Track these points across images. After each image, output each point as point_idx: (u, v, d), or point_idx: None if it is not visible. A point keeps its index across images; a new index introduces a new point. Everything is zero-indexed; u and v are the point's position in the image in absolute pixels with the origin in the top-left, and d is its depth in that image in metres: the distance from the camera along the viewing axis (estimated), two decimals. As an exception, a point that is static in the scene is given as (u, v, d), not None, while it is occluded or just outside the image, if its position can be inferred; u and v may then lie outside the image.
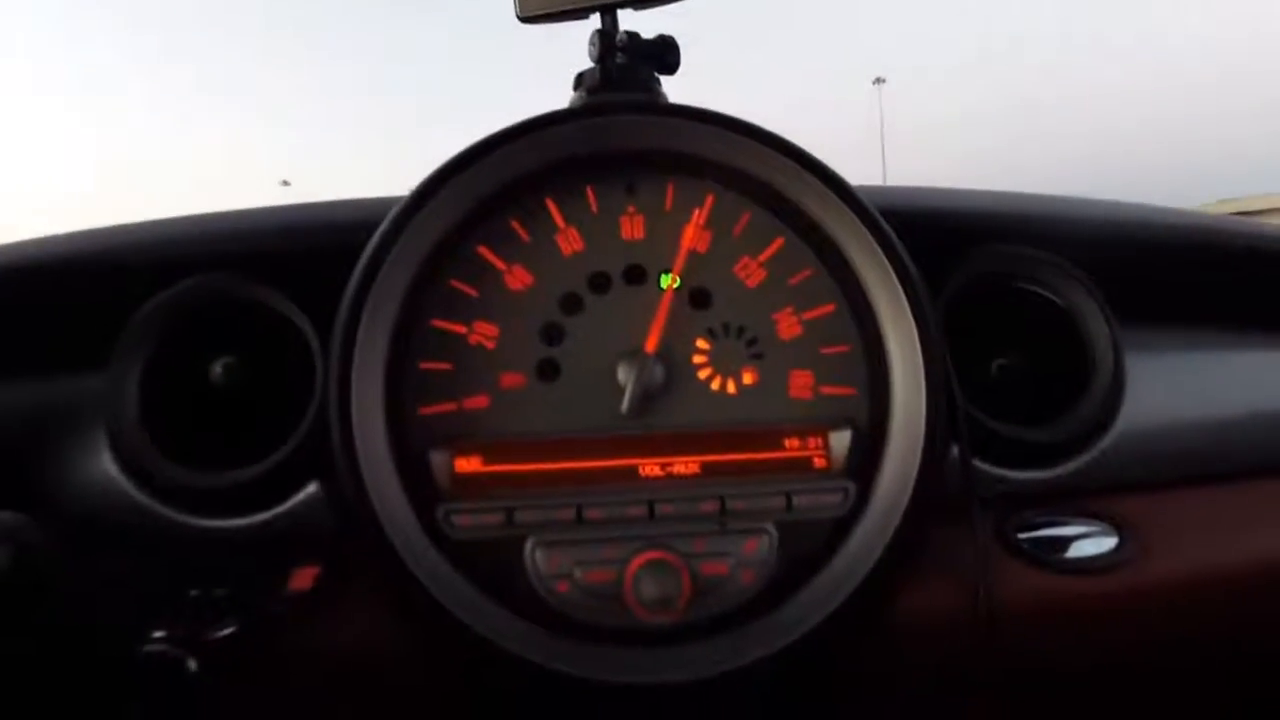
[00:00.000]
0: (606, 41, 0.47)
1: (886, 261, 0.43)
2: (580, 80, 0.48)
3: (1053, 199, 0.58)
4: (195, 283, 0.47)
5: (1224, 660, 0.50)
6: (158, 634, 0.39)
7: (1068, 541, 0.47)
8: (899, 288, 0.43)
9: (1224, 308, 0.58)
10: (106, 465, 0.46)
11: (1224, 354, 0.56)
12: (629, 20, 0.49)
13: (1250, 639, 0.49)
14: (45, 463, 0.47)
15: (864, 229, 0.44)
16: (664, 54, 0.48)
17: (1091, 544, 0.47)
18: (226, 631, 0.40)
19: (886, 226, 0.44)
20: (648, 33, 0.49)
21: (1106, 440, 0.49)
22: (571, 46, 0.51)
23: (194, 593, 0.42)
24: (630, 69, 0.47)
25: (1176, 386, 0.53)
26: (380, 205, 0.47)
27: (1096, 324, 0.50)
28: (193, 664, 0.38)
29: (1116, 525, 0.47)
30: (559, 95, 0.50)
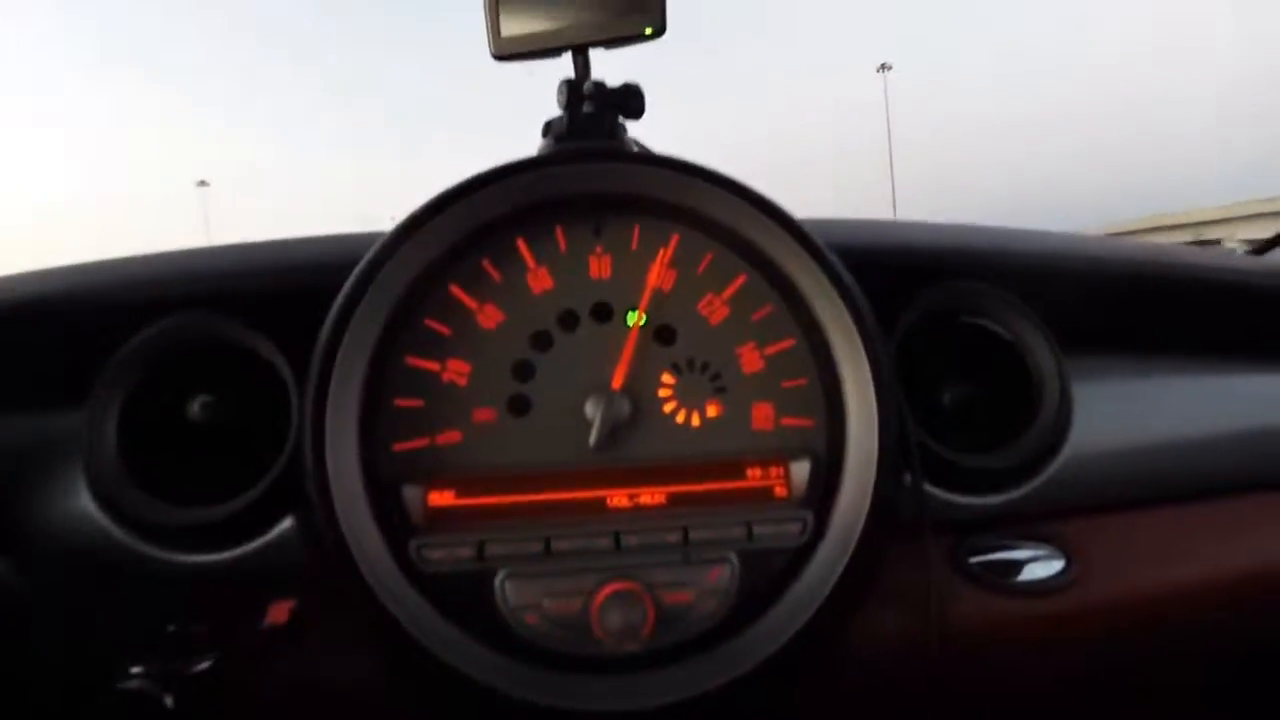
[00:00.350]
0: (574, 90, 0.49)
1: (840, 299, 0.45)
2: (549, 128, 0.50)
3: (1002, 232, 0.61)
4: (173, 322, 0.48)
5: (1170, 676, 0.52)
6: (135, 669, 0.40)
7: (1018, 565, 0.49)
8: (852, 325, 0.45)
9: (1169, 335, 0.60)
10: (84, 502, 0.46)
11: (1169, 379, 0.59)
12: (601, 58, 0.52)
13: (1193, 655, 0.52)
14: (22, 500, 0.47)
15: (818, 268, 0.46)
16: (629, 101, 0.50)
17: (1041, 567, 0.49)
18: (203, 666, 0.40)
19: (840, 266, 0.46)
20: (624, 64, 0.51)
21: (1054, 466, 0.51)
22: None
23: (171, 628, 0.43)
24: (596, 117, 0.49)
25: (1123, 412, 0.55)
26: (356, 243, 0.48)
27: (1043, 355, 0.52)
28: (169, 700, 0.39)
29: (1064, 548, 0.49)
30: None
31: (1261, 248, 0.80)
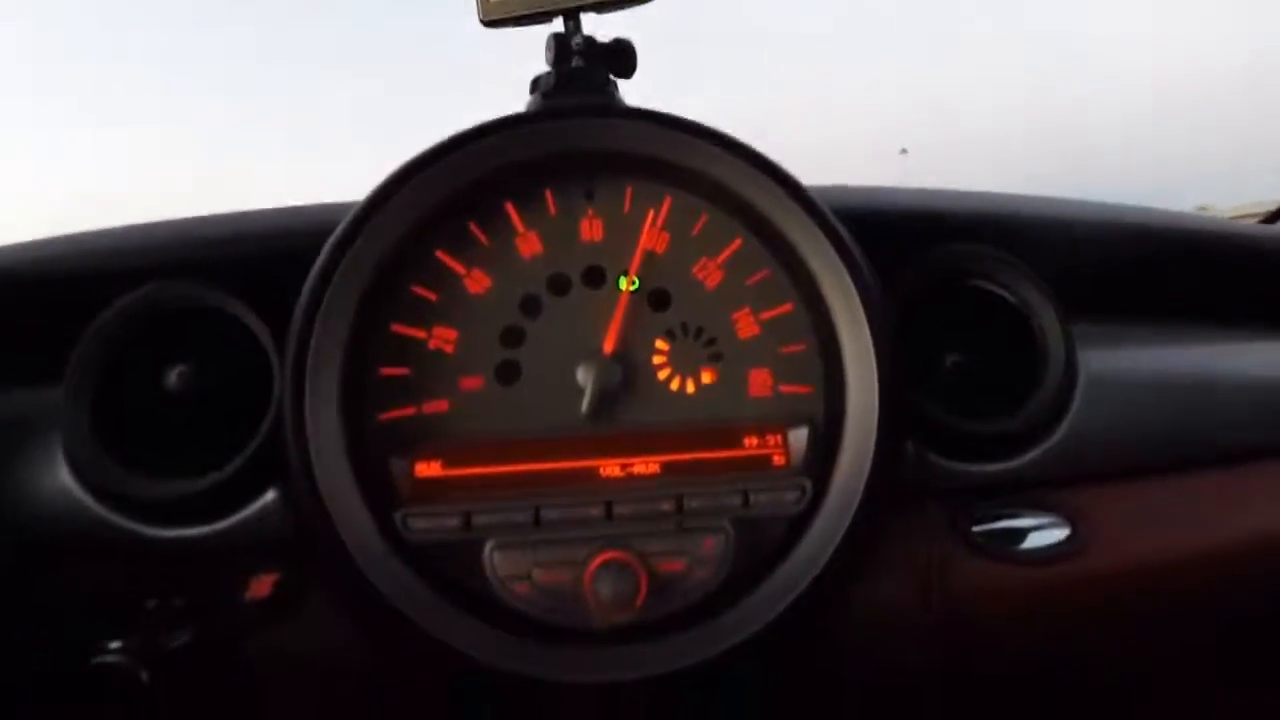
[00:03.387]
0: (562, 45, 0.48)
1: (840, 261, 0.44)
2: (536, 84, 0.49)
3: (1007, 197, 0.59)
4: (150, 290, 0.46)
5: (1174, 647, 0.51)
6: (113, 645, 0.39)
7: (1021, 533, 0.48)
8: (852, 288, 0.44)
9: (1176, 301, 0.59)
10: (63, 477, 0.45)
11: (1176, 347, 0.57)
12: (594, 25, 0.49)
13: (1198, 627, 0.51)
14: (1, 475, 0.46)
15: (818, 229, 0.44)
16: (620, 57, 0.49)
17: (1044, 535, 0.48)
18: (181, 642, 0.39)
19: (840, 227, 0.45)
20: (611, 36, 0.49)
21: (1059, 433, 0.50)
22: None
23: (151, 603, 0.41)
24: (586, 72, 0.48)
25: (1130, 379, 0.54)
26: (338, 210, 0.46)
27: (1048, 319, 0.51)
28: (145, 675, 0.37)
29: (1068, 517, 0.48)
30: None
31: (1271, 216, 0.79)
